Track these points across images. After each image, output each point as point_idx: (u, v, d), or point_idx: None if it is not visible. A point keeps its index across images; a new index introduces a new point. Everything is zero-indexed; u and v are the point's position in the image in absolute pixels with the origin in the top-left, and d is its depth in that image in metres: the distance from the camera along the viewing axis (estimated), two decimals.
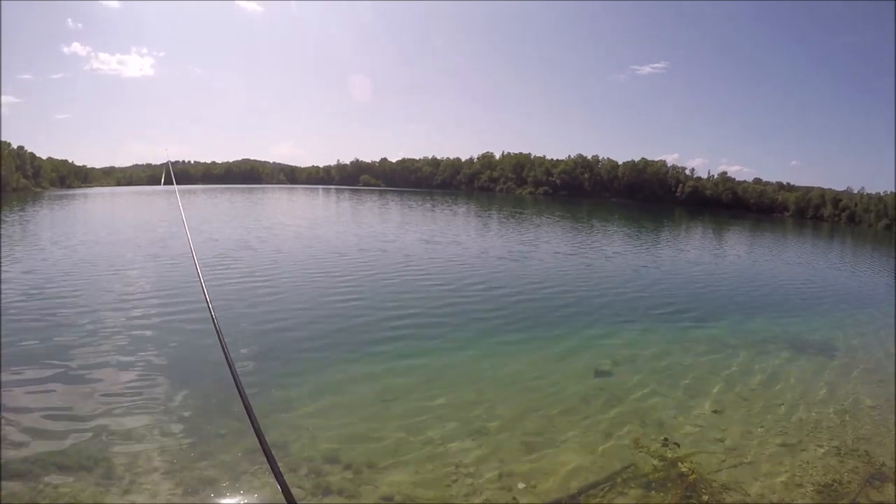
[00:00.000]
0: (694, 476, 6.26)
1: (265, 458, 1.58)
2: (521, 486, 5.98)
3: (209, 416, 7.06)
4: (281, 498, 1.41)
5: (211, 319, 2.06)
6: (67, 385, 7.72)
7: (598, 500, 5.79)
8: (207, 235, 25.56)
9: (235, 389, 1.74)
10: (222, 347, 1.93)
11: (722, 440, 7.40)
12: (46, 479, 5.50)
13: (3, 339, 9.35)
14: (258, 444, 1.58)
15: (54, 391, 7.51)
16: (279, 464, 1.59)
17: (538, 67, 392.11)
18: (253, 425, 1.66)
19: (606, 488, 6.02)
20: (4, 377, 7.77)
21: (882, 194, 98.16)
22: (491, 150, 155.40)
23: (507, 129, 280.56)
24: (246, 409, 1.70)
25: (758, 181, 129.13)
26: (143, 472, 5.75)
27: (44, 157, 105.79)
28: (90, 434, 6.44)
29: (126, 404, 7.28)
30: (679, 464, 6.55)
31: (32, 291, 13.08)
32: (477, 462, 6.44)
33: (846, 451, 7.25)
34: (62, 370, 8.24)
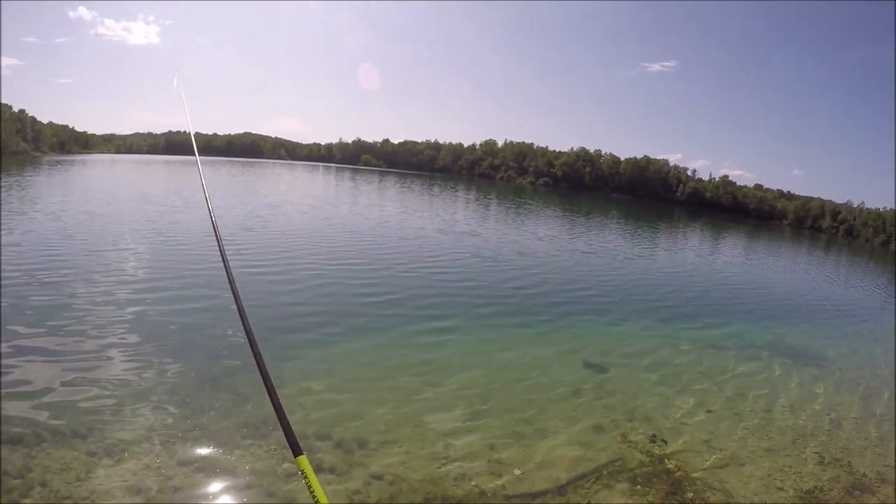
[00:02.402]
0: (680, 473, 6.36)
1: (271, 405, 1.66)
2: (512, 473, 6.07)
3: (202, 390, 7.09)
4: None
5: (228, 282, 2.08)
6: (60, 357, 7.64)
7: (584, 490, 5.87)
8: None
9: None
10: (239, 310, 1.95)
11: (708, 440, 7.49)
12: (40, 446, 5.53)
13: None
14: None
15: (47, 362, 7.43)
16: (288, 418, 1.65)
17: (546, 58, 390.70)
18: (259, 368, 1.73)
19: (593, 480, 6.11)
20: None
21: (882, 210, 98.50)
22: (493, 138, 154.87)
23: (511, 117, 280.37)
24: (258, 366, 1.75)
25: (758, 187, 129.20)
26: (136, 442, 5.78)
27: (44, 122, 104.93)
28: (84, 404, 6.44)
29: (119, 377, 7.26)
30: (665, 460, 6.65)
31: (29, 262, 12.99)
32: (467, 447, 6.51)
33: (829, 459, 7.35)
34: (56, 341, 8.15)
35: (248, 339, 1.81)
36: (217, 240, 2.32)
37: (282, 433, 1.61)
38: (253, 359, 1.77)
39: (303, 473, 1.48)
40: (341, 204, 36.74)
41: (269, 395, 1.67)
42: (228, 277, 2.08)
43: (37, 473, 5.10)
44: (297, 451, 1.54)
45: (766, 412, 8.80)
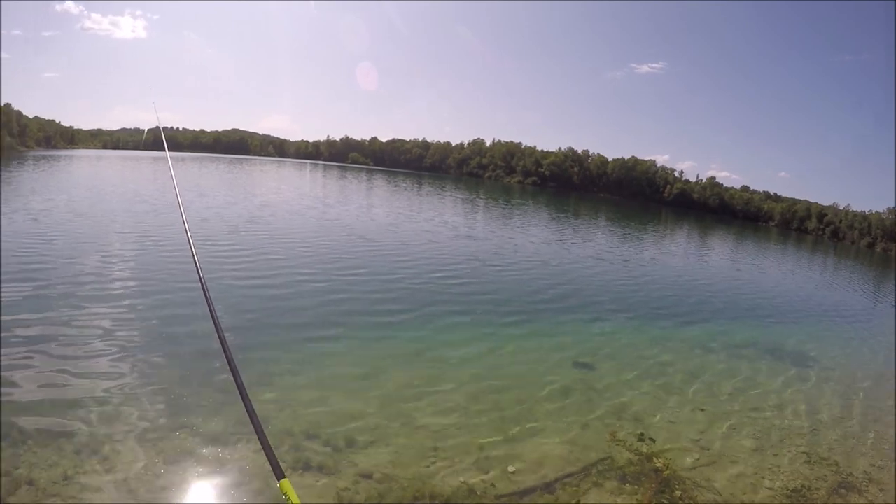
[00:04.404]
0: (668, 472, 6.38)
1: (252, 428, 1.63)
2: (501, 471, 6.07)
3: (190, 388, 7.02)
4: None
5: (201, 286, 2.07)
6: (44, 357, 7.50)
7: (573, 489, 5.89)
8: (195, 210, 25.27)
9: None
10: (212, 316, 1.94)
11: (697, 439, 7.54)
12: (26, 444, 5.47)
13: None
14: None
15: (31, 363, 7.30)
16: (266, 433, 1.63)
17: (536, 58, 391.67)
18: (241, 393, 1.71)
19: (581, 478, 6.12)
20: None
21: (867, 213, 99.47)
22: (482, 137, 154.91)
23: (499, 116, 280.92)
24: (233, 374, 1.74)
25: (745, 189, 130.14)
26: (123, 441, 5.72)
27: (30, 116, 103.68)
28: (69, 405, 6.35)
29: (105, 377, 7.16)
30: (654, 459, 6.67)
31: (19, 256, 12.83)
32: (456, 445, 6.50)
33: (816, 458, 7.43)
34: (40, 342, 7.98)
35: (227, 358, 1.79)
36: (190, 246, 2.33)
37: (271, 433, 1.59)
38: (231, 373, 1.74)
39: (286, 497, 1.44)
40: (336, 204, 36.48)
41: (251, 420, 1.63)
42: (203, 288, 2.07)
43: (23, 471, 5.04)
44: (279, 475, 1.50)
45: (754, 411, 8.87)
